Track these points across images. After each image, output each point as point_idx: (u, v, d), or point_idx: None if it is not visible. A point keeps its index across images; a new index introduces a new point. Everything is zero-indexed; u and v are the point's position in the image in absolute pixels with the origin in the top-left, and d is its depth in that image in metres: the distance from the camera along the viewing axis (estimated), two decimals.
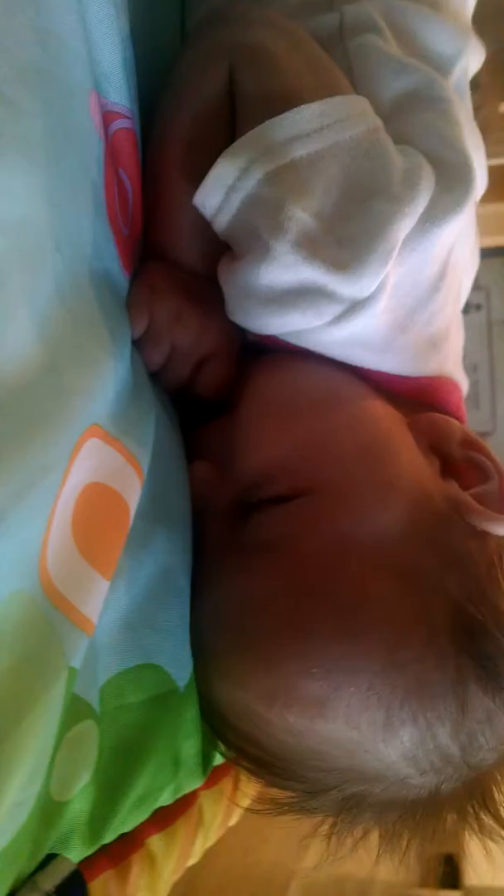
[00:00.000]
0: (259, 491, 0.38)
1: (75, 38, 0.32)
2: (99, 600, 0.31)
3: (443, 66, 0.45)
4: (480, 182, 0.41)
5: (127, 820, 0.36)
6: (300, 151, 0.36)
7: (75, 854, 0.32)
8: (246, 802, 0.52)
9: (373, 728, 0.34)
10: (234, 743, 0.40)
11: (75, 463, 0.30)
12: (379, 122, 0.38)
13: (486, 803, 0.38)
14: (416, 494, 0.37)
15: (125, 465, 0.33)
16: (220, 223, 0.37)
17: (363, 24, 0.44)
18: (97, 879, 0.34)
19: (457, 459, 0.40)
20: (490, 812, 0.37)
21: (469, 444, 0.40)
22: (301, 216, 0.35)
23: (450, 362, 0.45)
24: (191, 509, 0.40)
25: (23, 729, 0.25)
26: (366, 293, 0.36)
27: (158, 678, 0.36)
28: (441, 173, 0.38)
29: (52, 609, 0.28)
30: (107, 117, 0.36)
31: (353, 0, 0.45)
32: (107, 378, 0.32)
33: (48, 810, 0.30)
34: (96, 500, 0.31)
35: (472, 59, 0.49)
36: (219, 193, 0.36)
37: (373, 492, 0.37)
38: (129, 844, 0.37)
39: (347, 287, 0.36)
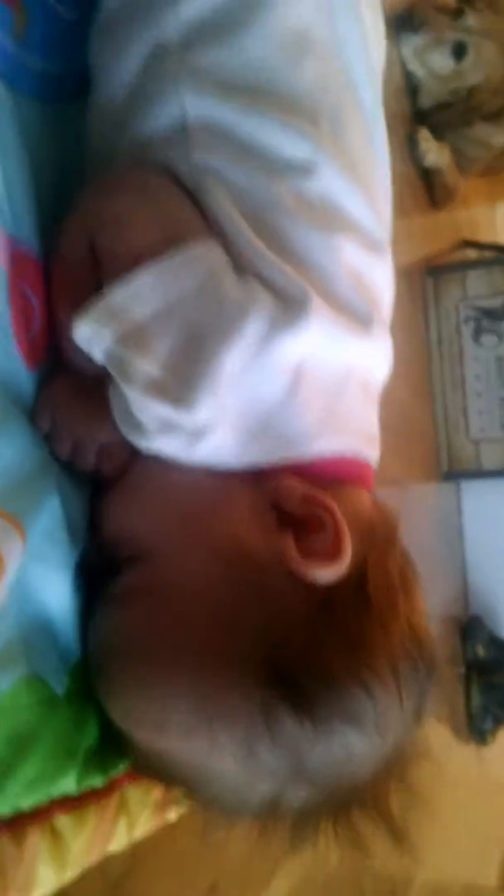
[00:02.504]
0: (114, 553, 0.48)
1: None
2: None
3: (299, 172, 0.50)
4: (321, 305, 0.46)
5: (19, 797, 0.45)
6: (139, 311, 0.43)
7: None
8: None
9: (202, 748, 0.43)
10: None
11: None
12: (216, 264, 0.45)
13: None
14: (232, 551, 0.45)
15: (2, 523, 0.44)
16: (95, 358, 0.45)
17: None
18: None
19: (298, 514, 0.46)
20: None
21: (309, 500, 0.46)
22: (144, 368, 0.43)
23: (336, 441, 0.49)
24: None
25: None
26: (202, 422, 0.43)
27: (42, 686, 0.46)
28: (280, 296, 0.45)
29: None
30: (8, 244, 0.47)
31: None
32: None
33: None
34: None
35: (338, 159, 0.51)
36: (84, 342, 0.44)
37: (187, 555, 0.46)
38: (28, 818, 0.47)
39: (186, 419, 0.43)
